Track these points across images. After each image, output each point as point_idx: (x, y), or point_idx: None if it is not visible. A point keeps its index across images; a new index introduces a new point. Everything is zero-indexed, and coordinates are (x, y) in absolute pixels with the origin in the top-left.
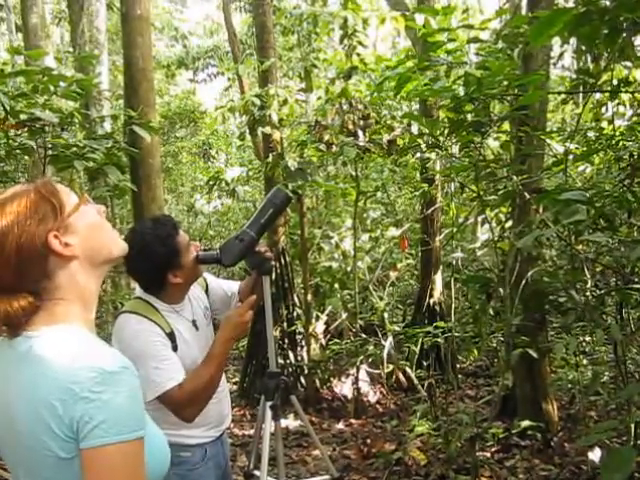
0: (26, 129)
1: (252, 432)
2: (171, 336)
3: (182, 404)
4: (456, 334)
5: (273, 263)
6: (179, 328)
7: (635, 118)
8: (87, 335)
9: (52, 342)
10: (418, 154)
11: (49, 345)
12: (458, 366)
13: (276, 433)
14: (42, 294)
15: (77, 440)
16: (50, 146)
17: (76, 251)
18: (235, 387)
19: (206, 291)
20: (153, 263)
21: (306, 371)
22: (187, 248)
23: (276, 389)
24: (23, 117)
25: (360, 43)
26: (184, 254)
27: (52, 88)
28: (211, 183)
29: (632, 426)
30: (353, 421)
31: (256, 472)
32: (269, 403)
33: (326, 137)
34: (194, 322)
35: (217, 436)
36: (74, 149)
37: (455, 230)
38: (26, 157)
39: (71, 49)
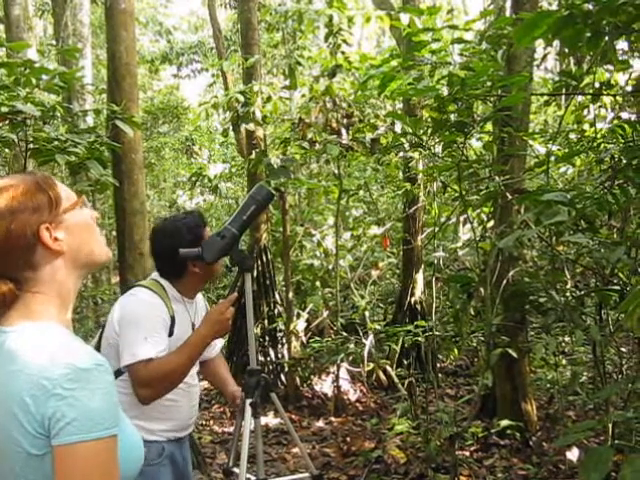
0: (7, 122)
1: (232, 429)
2: (172, 319)
3: (141, 381)
4: (437, 333)
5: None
6: (180, 318)
7: (616, 121)
8: (62, 332)
9: (26, 337)
10: (401, 153)
11: (23, 340)
12: (438, 365)
13: (256, 430)
14: (23, 284)
15: (48, 437)
16: (31, 139)
17: (64, 247)
18: None
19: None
20: (178, 248)
21: (286, 369)
22: None
23: (256, 386)
24: (4, 110)
25: (345, 41)
26: None
27: (34, 81)
28: (194, 179)
29: (610, 426)
30: (333, 419)
31: (235, 469)
32: (249, 400)
33: (309, 135)
34: (193, 325)
35: (174, 440)
36: (56, 143)
37: (437, 229)
38: (7, 150)
39: (54, 42)
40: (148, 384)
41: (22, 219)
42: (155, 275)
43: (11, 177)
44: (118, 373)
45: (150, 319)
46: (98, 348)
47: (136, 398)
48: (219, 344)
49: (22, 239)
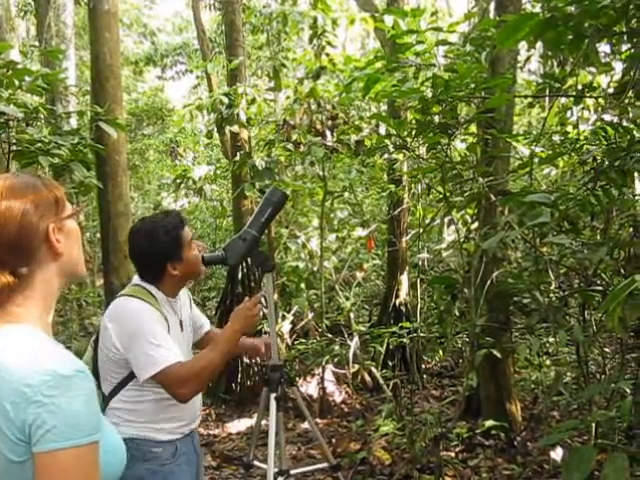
0: None
1: (217, 432)
2: (166, 321)
3: (181, 381)
4: (421, 334)
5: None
6: (170, 319)
7: (599, 122)
8: (43, 337)
9: (8, 343)
10: (385, 155)
11: (4, 346)
12: (423, 366)
13: (279, 423)
14: (20, 280)
15: (29, 444)
16: (14, 141)
17: (63, 251)
18: None
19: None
20: (155, 250)
21: None
22: (189, 244)
23: (280, 381)
24: None
25: (329, 43)
26: (186, 248)
27: (17, 82)
28: (178, 181)
29: (593, 425)
30: (319, 421)
31: (256, 462)
32: (274, 395)
33: (294, 137)
34: (181, 322)
35: (187, 433)
36: (39, 145)
37: (421, 231)
38: None
39: (37, 43)
40: (187, 381)
41: (34, 215)
42: (137, 280)
43: (15, 175)
44: (123, 384)
45: (151, 324)
46: (95, 361)
47: (137, 407)
48: (207, 321)
49: (33, 235)
